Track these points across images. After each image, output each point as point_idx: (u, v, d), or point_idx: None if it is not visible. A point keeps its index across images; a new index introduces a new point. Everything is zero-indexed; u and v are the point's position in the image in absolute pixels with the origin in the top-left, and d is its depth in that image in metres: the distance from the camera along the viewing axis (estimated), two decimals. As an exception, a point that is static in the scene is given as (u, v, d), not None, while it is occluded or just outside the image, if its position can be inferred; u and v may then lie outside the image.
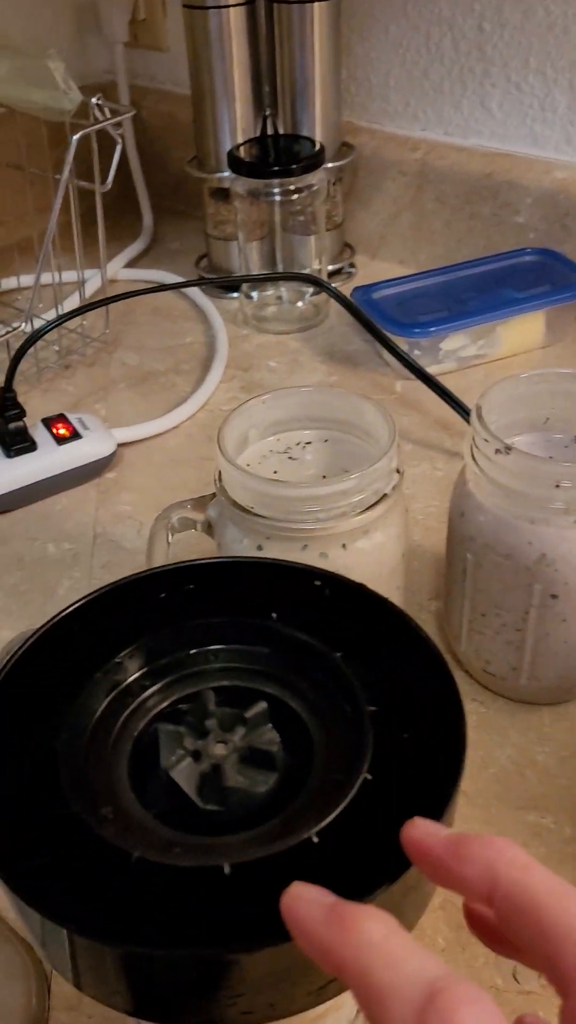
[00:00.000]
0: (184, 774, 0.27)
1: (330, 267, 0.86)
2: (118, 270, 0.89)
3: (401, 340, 0.70)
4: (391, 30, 0.81)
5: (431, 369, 0.69)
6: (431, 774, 0.26)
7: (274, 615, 0.31)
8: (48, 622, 0.31)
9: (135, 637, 0.31)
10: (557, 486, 0.40)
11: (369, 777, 0.26)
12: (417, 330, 0.70)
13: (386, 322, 0.71)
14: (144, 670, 0.31)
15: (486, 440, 0.42)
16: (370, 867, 0.24)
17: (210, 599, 0.32)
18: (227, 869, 0.24)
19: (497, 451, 0.42)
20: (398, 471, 0.43)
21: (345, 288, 0.76)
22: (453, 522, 0.46)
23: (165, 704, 0.30)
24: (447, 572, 0.49)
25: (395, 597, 0.45)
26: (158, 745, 0.28)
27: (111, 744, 0.29)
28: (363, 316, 0.68)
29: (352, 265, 0.88)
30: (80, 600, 0.32)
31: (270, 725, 0.28)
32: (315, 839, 0.24)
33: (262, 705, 0.29)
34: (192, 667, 0.31)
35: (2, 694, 0.29)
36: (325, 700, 0.29)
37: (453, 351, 0.72)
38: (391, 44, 0.81)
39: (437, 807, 0.25)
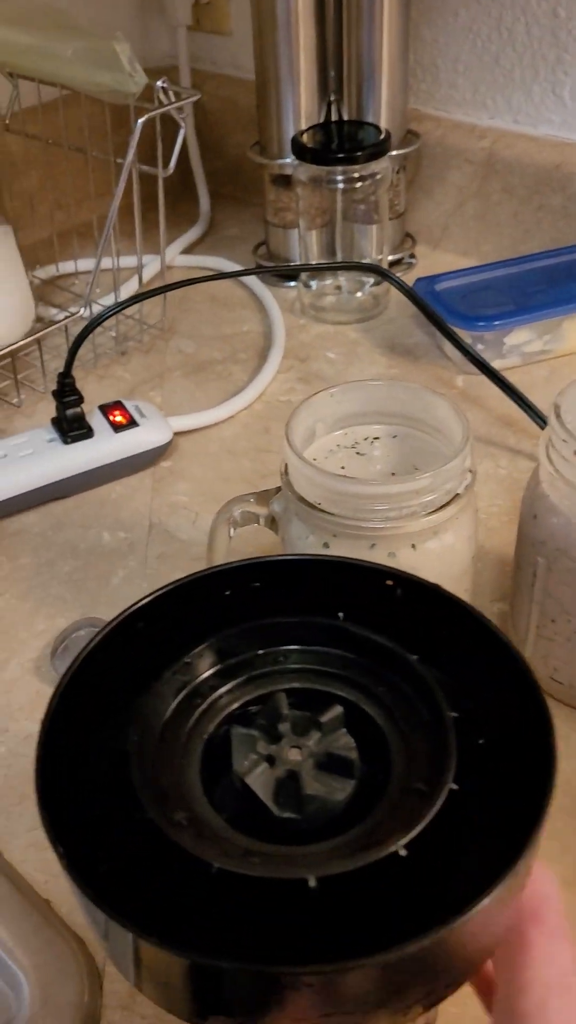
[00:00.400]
0: (260, 780, 0.26)
1: (390, 257, 0.85)
2: (175, 256, 0.88)
3: (464, 333, 0.68)
4: (461, 14, 0.78)
5: (494, 364, 0.68)
6: (518, 784, 0.25)
7: (341, 615, 0.30)
8: (114, 620, 0.30)
9: (203, 636, 0.30)
10: None
11: (455, 787, 0.25)
12: (481, 323, 0.68)
13: (449, 314, 0.69)
14: (213, 670, 0.30)
15: (564, 440, 0.40)
16: (461, 882, 0.23)
17: (278, 598, 0.31)
18: (312, 882, 0.23)
19: (576, 452, 0.40)
20: (471, 471, 0.41)
21: (405, 279, 0.74)
22: (524, 524, 0.45)
23: (235, 706, 0.29)
24: (515, 575, 0.47)
25: (462, 599, 0.44)
26: (229, 749, 0.27)
27: (181, 747, 0.28)
28: (427, 308, 0.67)
29: (412, 256, 0.87)
30: (146, 597, 0.31)
31: (344, 730, 0.27)
32: (403, 852, 0.23)
33: (338, 709, 0.28)
34: (262, 668, 0.30)
35: (70, 693, 0.28)
36: (402, 705, 0.28)
37: (517, 346, 0.70)
38: (461, 29, 0.79)
39: (528, 819, 0.24)
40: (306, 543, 0.41)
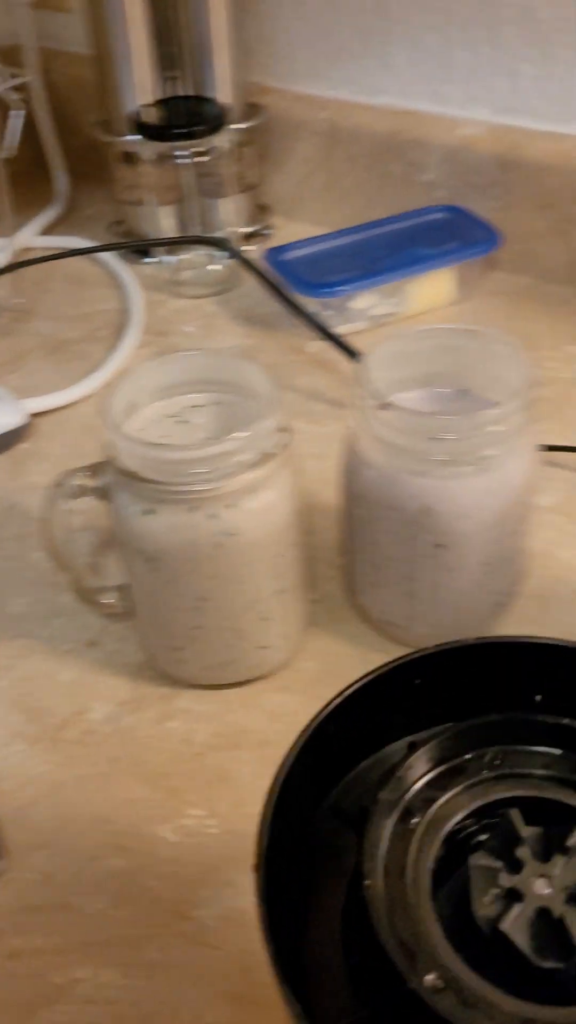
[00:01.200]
0: (515, 926, 0.22)
1: (247, 229, 0.86)
2: (32, 238, 0.88)
3: (312, 300, 0.70)
4: (295, -14, 0.80)
5: (343, 328, 0.70)
6: None
7: (538, 698, 0.28)
8: (299, 738, 0.26)
9: (390, 742, 0.28)
10: (435, 439, 0.42)
11: None
12: (324, 290, 0.71)
13: (297, 282, 0.71)
14: (421, 783, 0.26)
15: (367, 397, 0.43)
16: None
17: (464, 689, 0.28)
18: None
19: (379, 407, 0.43)
20: (284, 430, 0.44)
21: (261, 250, 0.76)
22: (344, 479, 0.47)
23: (455, 823, 0.25)
24: (344, 528, 0.50)
25: (291, 554, 0.46)
26: (457, 876, 0.24)
27: (410, 882, 0.24)
28: (264, 276, 0.69)
29: (268, 227, 0.88)
30: (325, 709, 0.27)
31: None
32: None
33: None
34: (476, 775, 0.27)
35: (275, 826, 0.24)
36: None
37: (363, 310, 0.73)
38: (290, 1, 0.80)
39: None
40: (130, 512, 0.43)
